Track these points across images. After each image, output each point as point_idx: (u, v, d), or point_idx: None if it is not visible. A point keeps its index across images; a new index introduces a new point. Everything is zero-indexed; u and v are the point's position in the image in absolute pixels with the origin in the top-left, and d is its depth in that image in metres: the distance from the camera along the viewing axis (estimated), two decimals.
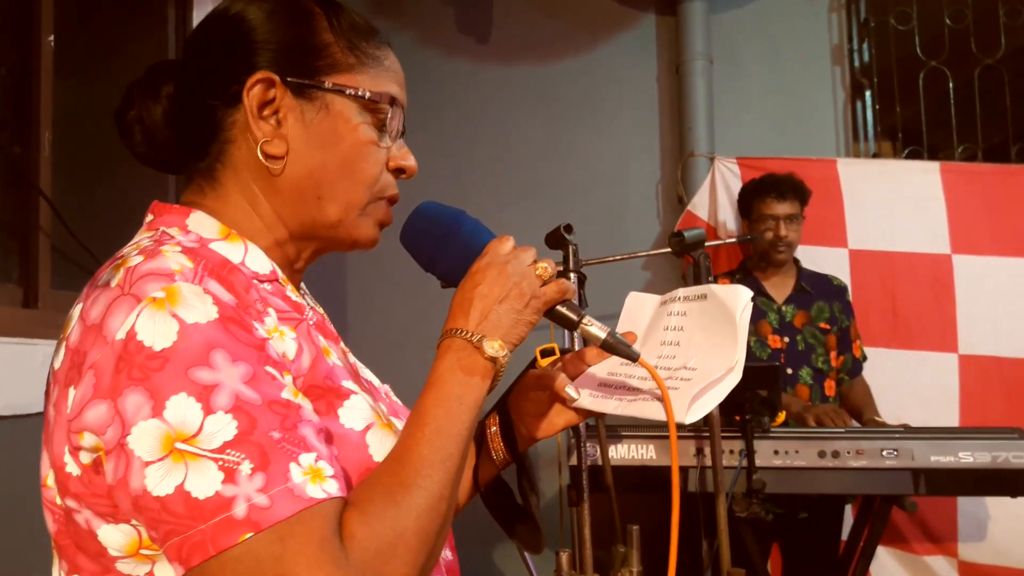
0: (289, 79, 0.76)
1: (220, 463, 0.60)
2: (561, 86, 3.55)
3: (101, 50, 2.37)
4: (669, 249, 1.94)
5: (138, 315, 0.63)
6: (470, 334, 0.73)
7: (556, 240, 1.68)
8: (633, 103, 3.53)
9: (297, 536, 0.59)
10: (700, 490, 2.18)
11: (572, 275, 1.67)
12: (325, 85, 0.77)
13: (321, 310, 0.91)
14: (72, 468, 0.66)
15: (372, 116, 0.79)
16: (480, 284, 0.75)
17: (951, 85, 3.37)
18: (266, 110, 0.76)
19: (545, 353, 0.98)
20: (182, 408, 0.60)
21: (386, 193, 0.82)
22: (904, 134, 3.44)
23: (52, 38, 2.02)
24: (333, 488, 0.63)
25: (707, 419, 1.95)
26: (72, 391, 0.65)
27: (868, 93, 3.44)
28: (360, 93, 0.78)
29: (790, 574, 2.73)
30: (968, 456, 2.15)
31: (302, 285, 0.90)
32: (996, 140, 3.40)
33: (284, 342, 0.71)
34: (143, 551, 0.66)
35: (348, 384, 0.75)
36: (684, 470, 2.21)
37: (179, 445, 0.60)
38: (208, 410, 0.61)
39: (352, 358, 0.87)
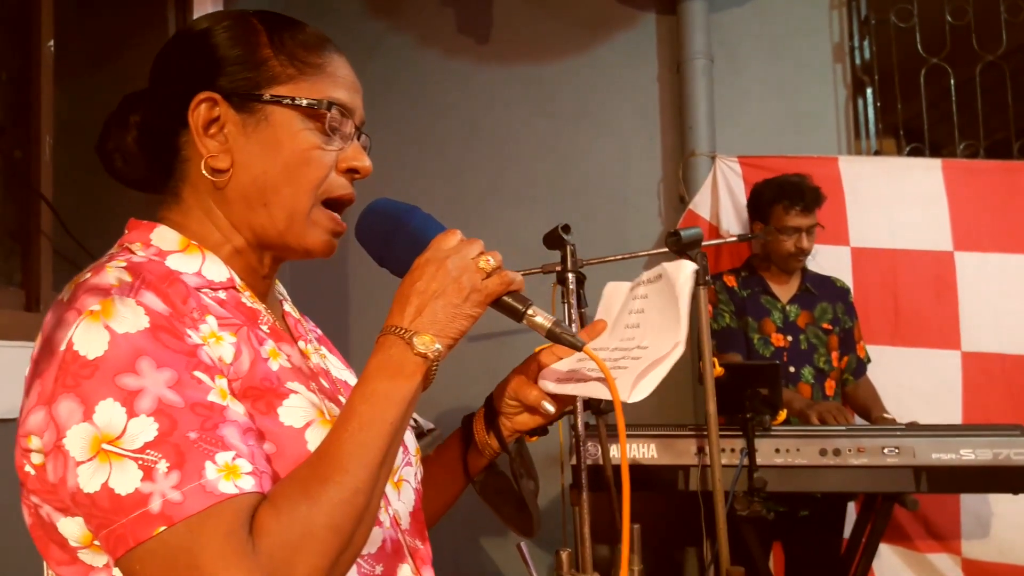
0: (230, 96, 0.80)
1: (140, 462, 0.65)
2: (561, 86, 3.55)
3: (101, 54, 2.38)
4: (667, 249, 1.94)
5: (76, 327, 0.68)
6: (403, 331, 0.75)
7: (554, 240, 1.68)
8: (633, 102, 3.52)
9: (206, 529, 0.63)
10: (701, 489, 2.18)
11: (570, 275, 1.67)
12: (264, 98, 0.80)
13: (297, 314, 0.94)
14: (29, 468, 0.71)
15: (314, 122, 0.82)
16: (418, 280, 0.76)
17: (952, 82, 3.36)
18: (212, 128, 0.81)
19: None
20: (108, 412, 0.65)
21: (334, 193, 0.84)
22: (906, 131, 3.43)
23: (52, 43, 2.04)
24: (248, 484, 0.66)
25: (704, 417, 1.95)
26: (26, 399, 0.71)
27: (869, 90, 3.42)
28: (297, 101, 0.80)
29: (792, 572, 2.73)
30: (969, 453, 2.14)
31: (280, 289, 0.94)
32: (998, 136, 3.39)
33: (221, 347, 0.75)
34: (96, 543, 0.71)
35: (292, 385, 0.78)
36: (685, 468, 2.20)
37: (105, 446, 0.65)
38: (132, 413, 0.66)
39: (316, 359, 0.89)
